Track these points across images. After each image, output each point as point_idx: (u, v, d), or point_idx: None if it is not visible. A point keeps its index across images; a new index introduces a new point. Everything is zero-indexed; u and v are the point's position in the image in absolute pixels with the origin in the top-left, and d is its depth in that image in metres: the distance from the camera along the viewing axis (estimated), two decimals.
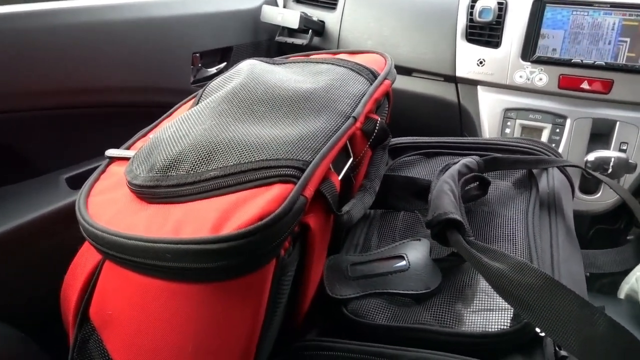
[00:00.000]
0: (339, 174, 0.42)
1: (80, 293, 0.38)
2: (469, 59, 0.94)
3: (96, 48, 0.69)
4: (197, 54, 0.89)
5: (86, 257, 0.39)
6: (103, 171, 0.43)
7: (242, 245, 0.30)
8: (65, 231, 0.39)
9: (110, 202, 0.38)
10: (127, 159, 0.42)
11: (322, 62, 0.53)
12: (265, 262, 0.32)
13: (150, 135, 0.44)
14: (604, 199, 0.88)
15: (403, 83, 1.00)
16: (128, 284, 0.34)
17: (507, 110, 0.92)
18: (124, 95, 0.75)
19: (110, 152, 0.45)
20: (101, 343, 0.37)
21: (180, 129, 0.41)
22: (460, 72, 0.95)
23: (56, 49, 0.64)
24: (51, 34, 0.63)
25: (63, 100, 0.66)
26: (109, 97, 0.72)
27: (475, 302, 0.40)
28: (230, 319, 0.33)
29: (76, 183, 0.65)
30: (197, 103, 0.48)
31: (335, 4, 1.07)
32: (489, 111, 0.93)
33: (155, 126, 0.49)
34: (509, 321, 0.37)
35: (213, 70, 0.95)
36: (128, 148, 0.46)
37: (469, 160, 0.50)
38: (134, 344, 0.35)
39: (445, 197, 0.42)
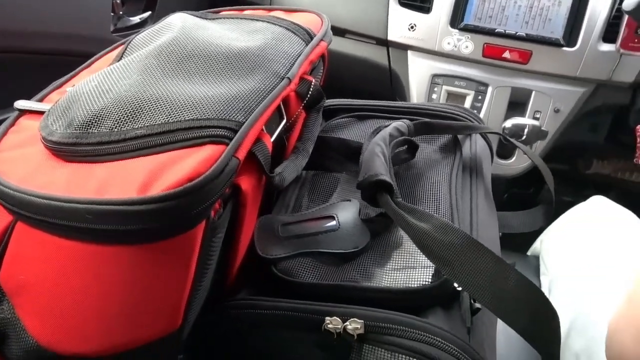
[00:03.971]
0: (271, 136, 0.42)
1: None
2: (401, 23, 0.95)
3: None
4: (118, 1, 0.83)
5: None
6: (12, 124, 0.40)
7: (170, 207, 0.29)
8: None
9: (22, 159, 0.35)
10: (40, 112, 0.39)
11: (258, 20, 0.51)
12: (195, 224, 0.32)
13: (68, 88, 0.40)
14: (517, 164, 0.95)
15: (336, 44, 0.99)
16: (43, 246, 0.32)
17: (434, 76, 0.94)
18: (38, 40, 0.68)
19: (20, 103, 0.41)
20: (12, 310, 0.35)
21: (103, 83, 0.38)
22: (391, 36, 0.96)
23: None
24: None
25: None
26: (21, 42, 0.66)
27: (400, 260, 0.42)
28: (157, 281, 0.32)
29: None
30: (122, 57, 0.45)
31: None
32: (418, 76, 0.95)
33: (72, 77, 0.46)
34: (430, 277, 0.39)
35: (136, 19, 0.89)
36: (41, 100, 0.42)
37: (400, 123, 0.51)
38: (50, 310, 0.33)
39: (377, 159, 0.43)
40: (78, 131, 0.34)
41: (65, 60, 0.64)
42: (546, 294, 0.67)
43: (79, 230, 0.30)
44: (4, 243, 0.34)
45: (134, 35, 0.48)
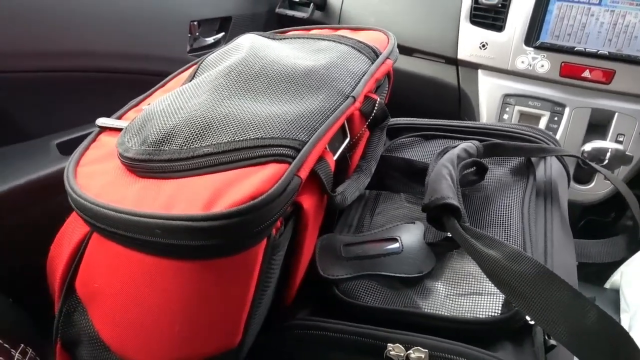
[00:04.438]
0: (334, 154, 0.42)
1: (66, 264, 0.37)
2: (472, 42, 0.92)
3: (90, 11, 0.67)
4: (195, 22, 0.87)
5: (73, 228, 0.38)
6: (93, 140, 0.42)
7: (233, 224, 0.29)
8: (55, 197, 0.38)
9: (99, 173, 0.37)
10: (118, 129, 0.41)
11: (323, 39, 0.52)
12: (256, 241, 0.32)
13: (144, 107, 0.42)
14: (596, 189, 0.88)
15: (404, 63, 0.99)
16: (115, 257, 0.34)
17: (506, 95, 0.91)
18: (119, 61, 0.73)
19: (101, 121, 0.44)
20: (86, 315, 0.37)
21: (174, 102, 0.40)
22: (461, 55, 0.94)
23: (48, 11, 0.62)
24: None
25: (54, 63, 0.64)
26: (102, 62, 0.71)
27: (467, 287, 0.40)
28: (218, 297, 0.33)
29: (67, 149, 0.64)
30: (194, 76, 0.47)
31: None
32: (488, 96, 0.92)
33: (148, 96, 0.48)
34: (499, 308, 0.37)
35: (210, 40, 0.93)
36: (119, 118, 0.45)
37: (469, 144, 0.49)
38: (119, 318, 0.35)
39: (444, 182, 0.42)
40: (151, 148, 0.36)
41: (143, 79, 0.67)
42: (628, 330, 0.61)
43: (147, 244, 0.31)
44: (80, 252, 0.36)
45: (205, 56, 0.50)
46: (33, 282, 0.43)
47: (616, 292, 0.72)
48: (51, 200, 0.55)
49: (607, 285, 0.76)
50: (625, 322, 0.64)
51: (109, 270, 0.35)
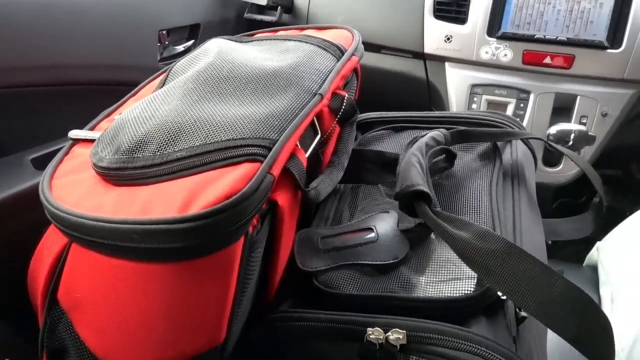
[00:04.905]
0: (306, 151, 0.43)
1: (47, 276, 0.37)
2: (437, 36, 0.95)
3: (59, 25, 0.67)
4: (164, 31, 0.87)
5: (52, 240, 0.38)
6: (66, 153, 0.42)
7: (209, 224, 0.30)
8: (32, 212, 0.38)
9: (75, 184, 0.37)
10: (91, 140, 0.42)
11: (289, 39, 0.53)
12: (234, 240, 0.33)
13: (115, 116, 0.43)
14: (565, 171, 0.91)
15: (372, 60, 1.01)
16: (96, 266, 0.34)
17: (473, 85, 0.93)
18: (90, 72, 0.73)
19: (74, 133, 0.44)
20: (71, 326, 0.37)
21: (146, 110, 0.40)
22: (428, 49, 0.96)
23: (17, 25, 0.61)
24: (12, 10, 0.61)
25: (24, 78, 0.64)
26: (73, 74, 0.70)
27: (441, 269, 0.41)
28: (200, 296, 0.33)
29: (42, 164, 0.63)
30: (164, 83, 0.48)
31: None
32: (456, 87, 0.95)
33: (120, 105, 0.48)
34: (472, 286, 0.38)
35: (180, 48, 0.94)
36: (92, 129, 0.45)
37: (436, 133, 0.51)
38: (103, 326, 0.35)
39: (413, 169, 0.43)
40: (124, 156, 0.36)
41: (115, 89, 0.67)
42: (608, 304, 0.63)
43: (126, 250, 0.31)
44: (61, 263, 0.37)
45: (174, 63, 0.51)
46: (15, 297, 0.43)
47: (593, 268, 0.74)
48: (28, 215, 0.54)
49: (585, 263, 0.79)
50: (606, 295, 0.66)
51: (91, 278, 0.35)
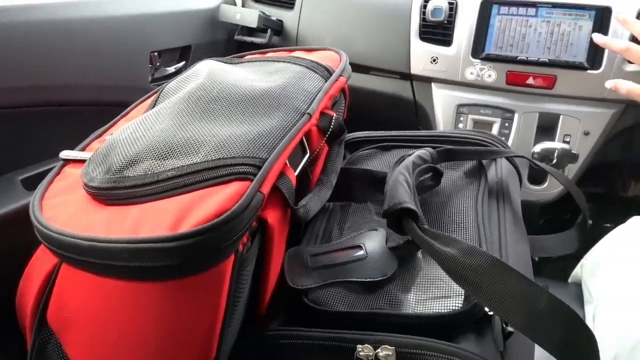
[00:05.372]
0: (295, 170, 0.43)
1: (36, 297, 0.37)
2: (423, 57, 0.97)
3: (51, 46, 0.68)
4: (155, 53, 0.88)
5: (42, 260, 0.38)
6: (57, 173, 0.43)
7: (199, 242, 0.30)
8: (22, 233, 0.39)
9: (65, 205, 0.38)
10: (82, 161, 0.42)
11: (278, 61, 0.54)
12: (224, 257, 0.33)
13: (107, 137, 0.43)
14: (550, 188, 0.93)
15: (360, 80, 1.02)
16: (86, 285, 0.34)
17: (459, 105, 0.95)
18: (81, 93, 0.73)
19: (65, 153, 0.44)
20: (60, 347, 0.37)
21: (137, 130, 0.41)
22: (414, 70, 0.98)
23: (8, 47, 0.62)
24: (3, 31, 0.62)
25: (16, 98, 0.64)
26: (65, 95, 0.71)
27: (429, 287, 0.42)
28: (190, 315, 0.34)
29: (32, 184, 0.63)
30: (155, 104, 0.48)
31: (293, 3, 1.08)
32: (443, 107, 0.96)
33: (111, 126, 0.49)
34: (460, 303, 0.39)
35: (172, 69, 0.95)
36: (83, 149, 0.46)
37: (423, 152, 0.52)
38: (93, 346, 0.35)
39: (400, 187, 0.44)
40: (115, 176, 0.36)
41: (106, 110, 0.68)
42: (590, 322, 0.64)
43: (117, 268, 0.32)
44: (50, 283, 0.37)
45: (166, 84, 0.51)
46: (3, 319, 0.42)
47: (578, 285, 0.75)
48: (18, 236, 0.54)
49: (570, 279, 0.80)
50: (589, 313, 0.66)
51: (81, 298, 0.35)
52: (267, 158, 0.37)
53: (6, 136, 0.65)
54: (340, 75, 0.53)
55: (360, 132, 0.64)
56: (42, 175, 0.43)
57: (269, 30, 1.06)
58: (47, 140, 0.67)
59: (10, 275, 0.40)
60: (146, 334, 0.34)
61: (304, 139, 0.45)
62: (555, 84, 0.89)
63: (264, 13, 1.04)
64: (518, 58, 0.90)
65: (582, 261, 0.76)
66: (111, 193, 0.36)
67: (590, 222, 0.59)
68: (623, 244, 0.71)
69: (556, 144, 0.88)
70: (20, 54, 0.64)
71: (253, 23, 1.02)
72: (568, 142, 0.89)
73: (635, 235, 0.71)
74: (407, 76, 1.00)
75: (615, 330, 0.57)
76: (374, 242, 0.45)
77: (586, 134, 0.88)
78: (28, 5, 0.66)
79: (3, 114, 0.63)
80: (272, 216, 0.39)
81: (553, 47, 0.88)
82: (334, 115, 0.49)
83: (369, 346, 0.36)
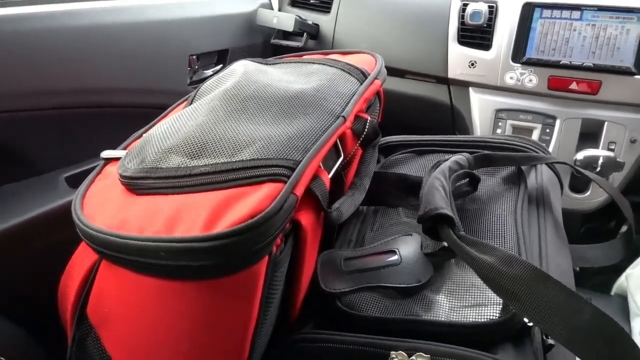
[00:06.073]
0: (329, 172, 0.43)
1: (77, 291, 0.38)
2: (461, 61, 0.95)
3: (94, 50, 0.70)
4: (194, 56, 0.90)
5: (83, 256, 0.39)
6: (99, 172, 0.44)
7: (234, 243, 0.30)
8: (65, 229, 0.40)
9: (105, 203, 0.39)
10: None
11: (314, 63, 0.54)
12: (258, 259, 0.33)
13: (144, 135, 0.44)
14: (593, 197, 0.89)
15: (396, 84, 1.01)
16: (124, 282, 0.35)
17: (498, 111, 0.93)
18: (122, 96, 0.76)
19: (106, 153, 0.45)
20: (99, 341, 0.38)
21: (172, 126, 0.41)
22: (452, 74, 0.97)
23: (55, 51, 0.65)
24: (50, 35, 0.64)
25: (62, 101, 0.67)
26: (107, 98, 0.73)
27: (465, 295, 0.41)
28: (224, 315, 0.34)
29: (76, 182, 0.66)
30: (192, 102, 0.49)
31: (330, 7, 1.08)
32: (481, 112, 0.94)
33: (151, 127, 0.50)
34: (498, 312, 0.38)
35: (209, 72, 0.96)
36: (124, 149, 0.47)
37: (460, 157, 0.51)
38: (130, 342, 0.36)
39: (437, 193, 0.43)
40: (149, 166, 0.37)
41: (146, 112, 0.70)
42: (637, 337, 0.61)
43: (152, 267, 0.32)
44: (91, 279, 0.38)
45: (203, 83, 0.52)
46: (45, 313, 0.44)
47: (623, 298, 0.72)
48: (61, 232, 0.56)
49: (613, 291, 0.76)
50: (636, 327, 0.63)
51: (119, 294, 0.36)
52: (301, 160, 0.37)
53: (53, 137, 0.68)
54: (376, 78, 0.52)
55: (395, 136, 0.64)
56: (85, 174, 0.44)
57: (305, 34, 1.06)
58: (90, 140, 0.69)
59: (53, 270, 0.41)
60: (180, 332, 0.34)
61: (338, 141, 0.45)
62: (600, 89, 0.86)
63: (300, 17, 1.05)
64: (561, 62, 0.87)
65: (628, 272, 0.73)
66: (143, 183, 0.37)
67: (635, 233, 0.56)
68: None
69: (600, 152, 0.85)
70: (65, 58, 0.66)
71: (290, 27, 1.03)
72: (613, 150, 0.86)
73: None
74: (444, 80, 0.99)
75: None
76: (408, 247, 0.44)
77: (633, 141, 0.85)
78: (74, 10, 0.68)
79: (49, 115, 0.66)
80: (306, 218, 0.39)
81: (598, 51, 0.85)
82: (369, 118, 0.49)
83: (402, 353, 0.36)
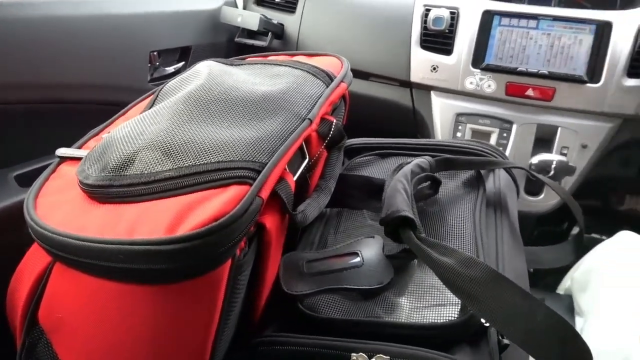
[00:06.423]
0: (294, 175, 0.43)
1: (28, 296, 0.37)
2: (423, 65, 0.97)
3: (50, 43, 0.67)
4: (155, 53, 0.88)
5: (35, 259, 0.37)
6: (53, 171, 0.42)
7: (197, 246, 0.30)
8: (14, 231, 0.38)
9: (60, 203, 0.37)
10: (79, 159, 0.42)
11: (280, 65, 0.54)
12: (221, 262, 0.32)
13: (104, 135, 0.43)
14: (546, 200, 0.93)
15: (360, 87, 1.02)
16: (80, 286, 0.34)
17: (458, 114, 0.95)
18: (79, 92, 0.73)
19: (61, 151, 0.44)
20: (50, 347, 0.36)
21: (135, 129, 0.40)
22: (414, 78, 0.98)
23: (6, 42, 0.62)
24: (3, 26, 0.61)
25: (12, 95, 0.63)
26: (62, 93, 0.70)
27: (425, 296, 0.42)
28: (185, 319, 0.33)
29: (26, 181, 0.63)
30: (153, 104, 0.48)
31: (295, 7, 1.08)
32: (442, 115, 0.97)
33: (109, 125, 0.48)
34: (456, 313, 0.39)
35: (171, 69, 0.94)
36: (79, 147, 0.45)
37: (422, 160, 0.52)
38: (85, 348, 0.34)
39: (399, 196, 0.44)
40: (112, 174, 0.36)
41: (104, 109, 0.68)
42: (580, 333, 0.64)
43: (111, 270, 0.31)
44: (43, 282, 0.36)
45: (164, 83, 0.51)
46: None
47: (570, 297, 0.75)
48: (10, 233, 0.54)
49: (560, 290, 0.80)
50: (579, 325, 0.67)
51: (74, 298, 0.35)
52: (267, 162, 0.37)
53: (0, 132, 0.64)
54: (342, 81, 0.53)
55: (359, 139, 0.64)
56: (36, 172, 0.42)
57: (270, 33, 1.06)
58: (42, 137, 0.67)
59: (2, 271, 0.39)
60: (140, 337, 0.33)
61: (303, 144, 0.45)
62: (554, 96, 0.89)
63: (265, 16, 1.04)
64: (518, 69, 0.90)
65: (572, 274, 0.76)
66: (107, 191, 0.35)
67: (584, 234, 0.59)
68: (612, 257, 0.71)
69: (554, 156, 0.88)
70: (18, 50, 0.63)
71: (254, 26, 1.02)
72: (565, 155, 0.90)
73: (623, 249, 0.71)
74: (406, 84, 1.00)
75: (606, 345, 0.57)
76: (370, 249, 0.45)
77: (584, 147, 0.89)
78: (28, 1, 0.65)
79: None
80: (270, 221, 0.38)
81: (553, 59, 0.89)
82: (334, 121, 0.49)
83: (363, 355, 0.36)
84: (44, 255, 0.36)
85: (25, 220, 0.35)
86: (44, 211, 0.36)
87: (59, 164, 0.43)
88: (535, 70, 0.89)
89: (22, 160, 0.66)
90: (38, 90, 0.67)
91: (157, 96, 0.49)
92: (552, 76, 0.89)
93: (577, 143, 0.89)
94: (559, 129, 0.90)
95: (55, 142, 0.46)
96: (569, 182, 0.91)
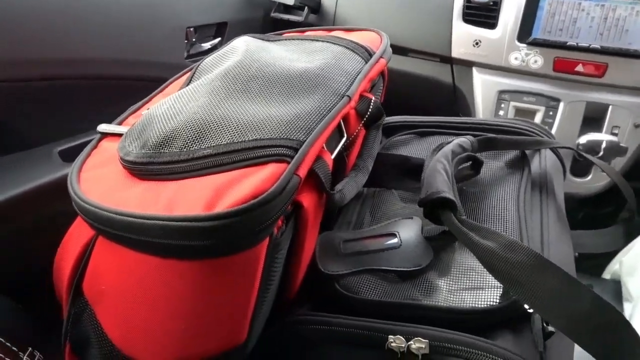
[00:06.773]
0: (332, 153, 0.42)
1: (73, 267, 0.38)
2: (465, 40, 0.93)
3: (87, 18, 0.68)
4: (191, 29, 0.88)
5: (79, 232, 0.38)
6: (95, 147, 0.43)
7: (234, 223, 0.30)
8: (59, 203, 0.39)
9: (102, 178, 0.38)
10: (119, 135, 0.42)
11: (317, 40, 0.53)
12: (258, 240, 0.32)
13: (143, 112, 0.43)
14: (594, 182, 0.89)
15: (399, 63, 1.00)
16: (121, 259, 0.34)
17: (501, 92, 0.92)
18: (118, 68, 0.74)
19: (102, 127, 0.44)
20: (94, 317, 0.37)
21: (173, 106, 0.40)
22: (455, 53, 0.95)
23: (43, 17, 0.62)
24: (36, 1, 0.62)
25: (51, 71, 0.64)
26: (102, 69, 0.71)
27: (465, 279, 0.40)
28: (222, 296, 0.33)
29: (69, 156, 0.65)
30: (190, 81, 0.48)
31: None
32: (484, 92, 0.93)
33: (147, 102, 0.49)
34: (497, 298, 0.38)
35: (207, 45, 0.94)
36: (120, 124, 0.46)
37: (463, 140, 0.50)
38: (126, 319, 0.35)
39: (439, 176, 0.43)
40: (151, 151, 0.36)
41: (142, 85, 0.68)
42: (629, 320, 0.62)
43: (151, 245, 0.31)
44: (87, 255, 0.37)
45: (201, 60, 0.51)
46: (40, 287, 0.43)
47: (617, 282, 0.72)
48: (56, 207, 0.55)
49: (607, 275, 0.77)
50: (627, 311, 0.64)
51: (115, 271, 0.35)
52: (305, 140, 0.36)
53: (45, 108, 0.66)
54: (381, 57, 0.51)
55: (397, 117, 0.63)
56: (79, 148, 0.43)
57: (306, 8, 1.04)
58: (85, 113, 0.68)
59: (46, 244, 0.41)
60: (177, 311, 0.34)
61: (341, 122, 0.44)
62: (606, 72, 0.84)
63: None
64: (567, 44, 0.85)
65: (620, 257, 0.73)
66: (147, 168, 0.36)
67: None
68: None
69: (603, 136, 0.84)
70: (53, 25, 0.63)
71: (290, 0, 1.01)
72: (616, 135, 0.85)
73: None
74: (447, 59, 0.97)
75: None
76: (409, 230, 0.44)
77: (637, 126, 0.84)
78: None
79: (41, 86, 0.64)
80: (308, 200, 0.38)
81: (606, 33, 0.84)
82: (373, 98, 0.48)
83: (401, 337, 0.35)
84: (88, 229, 0.36)
85: (69, 194, 0.36)
86: (86, 185, 0.37)
87: (100, 139, 0.44)
88: (587, 45, 0.84)
89: (64, 136, 0.68)
90: (79, 65, 0.68)
91: (194, 73, 0.49)
92: (604, 51, 0.84)
93: (629, 122, 0.85)
94: (610, 107, 0.85)
95: (98, 118, 0.46)
96: (619, 163, 0.87)
